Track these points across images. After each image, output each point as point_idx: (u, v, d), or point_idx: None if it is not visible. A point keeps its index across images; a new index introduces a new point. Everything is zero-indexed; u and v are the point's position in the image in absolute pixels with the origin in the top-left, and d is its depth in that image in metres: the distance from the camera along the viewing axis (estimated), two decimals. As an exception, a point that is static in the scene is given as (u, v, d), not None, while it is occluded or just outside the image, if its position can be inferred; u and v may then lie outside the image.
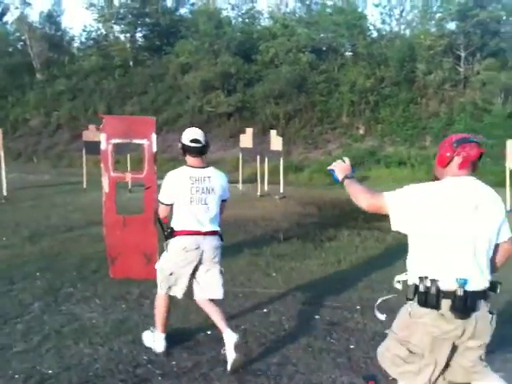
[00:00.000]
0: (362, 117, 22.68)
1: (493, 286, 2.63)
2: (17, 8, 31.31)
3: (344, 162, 2.96)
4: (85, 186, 14.17)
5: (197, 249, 3.90)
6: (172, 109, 25.88)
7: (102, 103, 27.20)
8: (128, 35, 29.56)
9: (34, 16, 31.94)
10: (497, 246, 2.70)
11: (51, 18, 32.28)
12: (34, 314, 4.83)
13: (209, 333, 4.47)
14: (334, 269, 6.68)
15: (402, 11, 28.56)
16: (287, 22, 26.77)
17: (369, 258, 7.35)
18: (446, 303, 2.51)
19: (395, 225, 2.66)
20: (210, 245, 3.97)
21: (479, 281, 2.56)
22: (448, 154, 2.65)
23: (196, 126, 4.09)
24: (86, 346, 4.13)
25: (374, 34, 26.14)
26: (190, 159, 4.00)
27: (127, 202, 12.58)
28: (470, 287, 2.50)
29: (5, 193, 12.36)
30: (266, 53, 25.49)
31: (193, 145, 3.92)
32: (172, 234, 3.95)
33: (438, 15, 23.48)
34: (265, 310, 5.07)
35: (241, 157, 15.35)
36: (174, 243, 3.94)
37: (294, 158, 21.82)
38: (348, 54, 25.33)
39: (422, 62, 22.73)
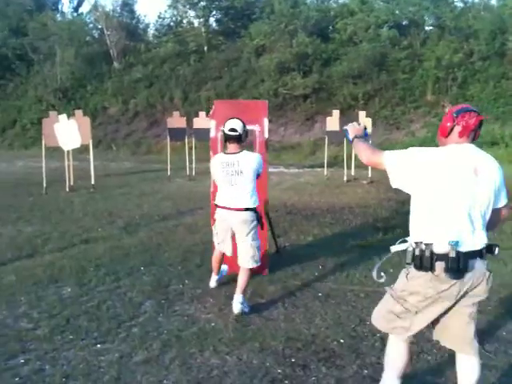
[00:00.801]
0: (448, 94, 21.37)
1: (490, 247, 2.75)
2: (94, -3, 31.80)
3: (359, 124, 3.21)
4: (169, 173, 14.06)
5: (225, 220, 4.68)
6: (247, 93, 25.48)
7: (178, 89, 27.27)
8: (202, 20, 29.38)
9: (109, 5, 32.21)
10: (493, 210, 2.80)
11: (126, 6, 32.65)
12: (147, 316, 4.52)
13: (342, 341, 3.99)
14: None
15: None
16: (366, -2, 25.68)
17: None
18: (439, 265, 2.63)
19: (394, 182, 2.83)
20: (237, 219, 4.60)
21: (473, 241, 2.67)
22: (449, 124, 2.78)
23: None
24: (212, 355, 3.75)
25: (458, 6, 24.49)
26: (227, 145, 4.72)
27: (209, 189, 12.38)
28: (462, 248, 2.62)
29: (93, 181, 12.41)
30: (343, 31, 24.59)
31: (230, 133, 4.56)
32: (216, 206, 4.80)
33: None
34: (397, 314, 4.52)
35: (327, 140, 14.67)
36: (216, 213, 4.83)
37: (375, 140, 20.91)
38: (432, 27, 23.87)
39: (513, 34, 21.09)
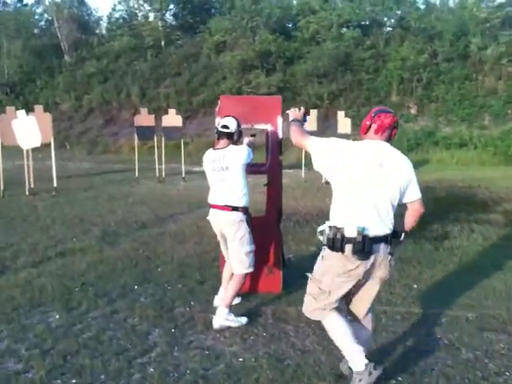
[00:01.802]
0: (413, 95, 21.35)
1: (396, 234, 3.10)
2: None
3: (299, 110, 3.60)
4: (137, 174, 13.16)
5: (216, 221, 4.41)
6: (208, 90, 24.75)
7: (135, 85, 26.22)
8: (158, 14, 28.34)
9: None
10: (407, 205, 3.15)
11: (78, -2, 31.21)
12: (160, 350, 3.82)
13: (400, 379, 3.44)
14: (481, 277, 5.59)
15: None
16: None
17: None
18: (348, 247, 2.96)
19: (315, 165, 3.19)
20: (226, 219, 4.30)
21: (379, 228, 2.99)
22: (368, 123, 3.13)
23: None
24: (256, 404, 3.12)
25: (421, 7, 24.58)
26: (218, 142, 4.40)
27: (182, 191, 11.64)
28: (368, 233, 2.95)
29: (55, 183, 11.41)
30: (306, 29, 24.21)
31: (221, 130, 4.35)
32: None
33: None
34: (445, 342, 4.01)
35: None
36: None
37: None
38: (395, 28, 23.78)
39: (476, 36, 21.27)
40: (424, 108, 20.93)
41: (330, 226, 3.03)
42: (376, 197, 2.98)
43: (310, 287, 3.22)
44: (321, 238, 3.13)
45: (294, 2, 27.50)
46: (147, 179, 13.48)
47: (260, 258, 4.76)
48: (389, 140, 3.14)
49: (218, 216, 4.37)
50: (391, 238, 3.06)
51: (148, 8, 29.65)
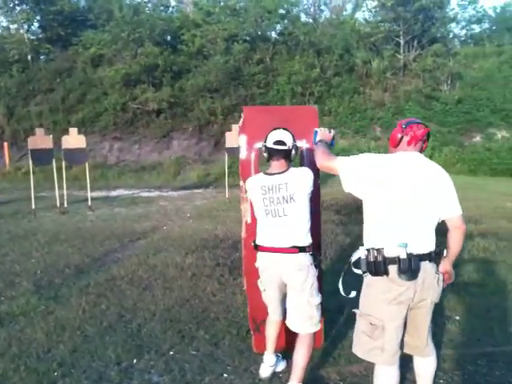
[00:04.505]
0: (306, 109, 21.41)
1: (439, 251, 2.82)
2: None
3: (330, 131, 3.48)
4: (33, 206, 11.13)
5: (275, 268, 3.35)
6: (88, 107, 22.71)
7: (0, 104, 23.25)
8: (24, 26, 25.59)
9: None
10: (448, 220, 2.83)
11: None
12: None
13: None
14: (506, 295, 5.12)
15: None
16: (211, 9, 24.70)
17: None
18: (392, 268, 2.68)
19: (346, 186, 2.91)
20: (292, 264, 3.29)
21: (422, 245, 2.73)
22: (399, 135, 2.94)
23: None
24: None
25: (307, 22, 24.95)
26: (271, 164, 3.42)
27: (98, 223, 9.97)
28: (412, 250, 2.66)
29: None
30: (191, 42, 23.27)
31: (276, 147, 3.35)
32: (257, 248, 3.45)
33: (375, 3, 22.79)
34: None
35: (227, 159, 13.24)
36: (257, 259, 3.50)
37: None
38: (284, 43, 23.73)
39: (360, 51, 21.99)
40: (318, 121, 21.02)
41: (367, 249, 2.75)
42: (416, 213, 2.74)
43: (361, 324, 2.84)
44: (356, 270, 2.81)
45: (176, 14, 26.47)
46: (45, 210, 11.52)
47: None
48: (420, 152, 2.94)
49: (279, 261, 3.30)
50: (435, 256, 2.80)
51: (9, 19, 26.68)
